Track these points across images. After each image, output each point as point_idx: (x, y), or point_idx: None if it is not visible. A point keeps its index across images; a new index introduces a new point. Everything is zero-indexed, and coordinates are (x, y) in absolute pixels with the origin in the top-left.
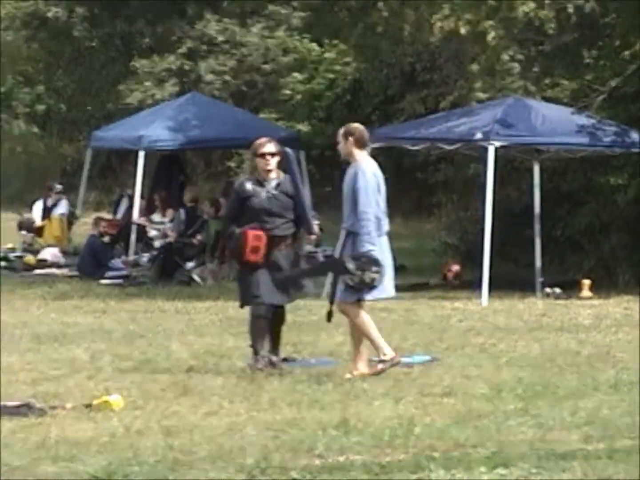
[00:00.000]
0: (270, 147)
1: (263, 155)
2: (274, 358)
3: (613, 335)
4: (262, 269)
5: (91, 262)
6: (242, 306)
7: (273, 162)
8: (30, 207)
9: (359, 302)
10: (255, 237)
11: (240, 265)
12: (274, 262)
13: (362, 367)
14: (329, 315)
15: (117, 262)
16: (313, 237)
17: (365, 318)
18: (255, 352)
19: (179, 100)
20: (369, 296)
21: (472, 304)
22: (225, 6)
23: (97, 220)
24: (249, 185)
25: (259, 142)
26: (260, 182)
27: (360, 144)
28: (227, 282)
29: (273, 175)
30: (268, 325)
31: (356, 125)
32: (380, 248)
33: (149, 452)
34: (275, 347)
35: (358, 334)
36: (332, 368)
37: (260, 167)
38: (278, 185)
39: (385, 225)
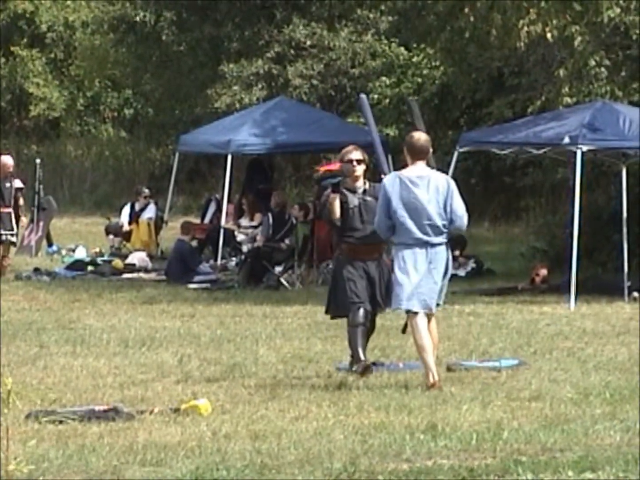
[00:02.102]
0: (357, 154)
1: (350, 161)
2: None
3: None
4: (357, 273)
5: (179, 267)
6: (330, 313)
7: (360, 169)
8: (118, 212)
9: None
10: (328, 164)
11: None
12: (365, 271)
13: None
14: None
15: (204, 266)
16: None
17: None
18: (356, 360)
19: (266, 105)
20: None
21: (560, 308)
22: (313, 10)
23: (185, 225)
24: (342, 191)
25: (346, 150)
26: (350, 189)
27: (408, 154)
28: (316, 287)
29: (360, 182)
30: (365, 331)
31: (410, 134)
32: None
33: (236, 457)
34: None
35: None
36: (420, 372)
37: (348, 173)
38: (365, 191)
39: (419, 235)
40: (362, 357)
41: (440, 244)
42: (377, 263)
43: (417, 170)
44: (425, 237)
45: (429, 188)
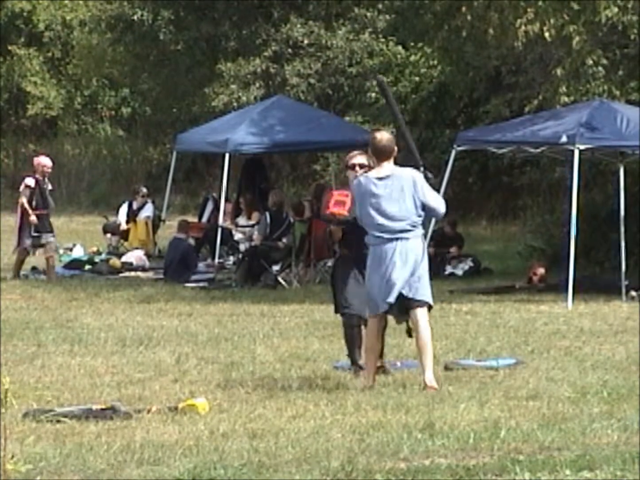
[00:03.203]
0: (360, 158)
1: (353, 166)
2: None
3: None
4: (355, 272)
5: (179, 265)
6: (336, 312)
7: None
8: (115, 211)
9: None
10: (340, 194)
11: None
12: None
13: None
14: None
15: (201, 265)
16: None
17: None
18: (352, 362)
19: (264, 104)
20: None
21: (558, 307)
22: (310, 9)
23: (182, 223)
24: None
25: (350, 155)
26: None
27: (373, 155)
28: (313, 285)
29: None
30: (360, 333)
31: (373, 135)
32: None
33: (234, 455)
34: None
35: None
36: (418, 371)
37: (351, 178)
38: None
39: (381, 234)
40: (357, 359)
41: (408, 239)
42: None
43: (382, 171)
44: (390, 236)
45: (392, 188)
